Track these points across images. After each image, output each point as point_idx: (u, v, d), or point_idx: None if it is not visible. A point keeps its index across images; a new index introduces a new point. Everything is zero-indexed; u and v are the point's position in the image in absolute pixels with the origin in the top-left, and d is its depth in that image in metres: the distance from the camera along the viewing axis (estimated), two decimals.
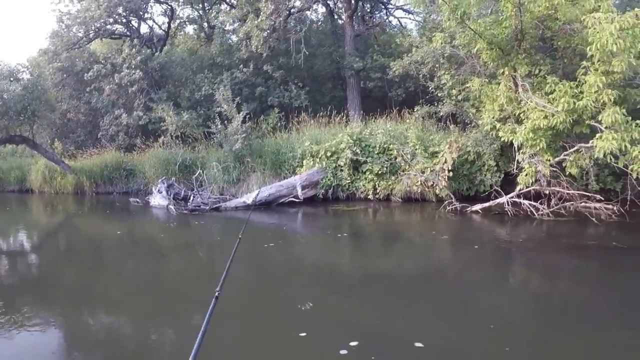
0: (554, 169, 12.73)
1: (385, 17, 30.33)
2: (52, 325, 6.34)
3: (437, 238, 11.71)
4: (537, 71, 13.25)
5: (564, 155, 12.49)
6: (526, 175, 12.74)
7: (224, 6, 26.28)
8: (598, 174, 13.40)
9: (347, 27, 25.29)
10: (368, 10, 28.97)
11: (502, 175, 15.64)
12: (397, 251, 10.75)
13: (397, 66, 19.26)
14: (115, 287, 8.15)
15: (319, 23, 29.39)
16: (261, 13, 21.03)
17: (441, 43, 14.51)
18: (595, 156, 11.19)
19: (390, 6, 29.44)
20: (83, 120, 26.82)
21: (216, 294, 3.02)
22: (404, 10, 29.32)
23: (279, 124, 20.65)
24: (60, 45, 25.49)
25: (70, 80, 26.12)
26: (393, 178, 16.44)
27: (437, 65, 17.26)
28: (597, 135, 11.00)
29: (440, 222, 13.56)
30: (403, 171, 16.18)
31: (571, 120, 11.66)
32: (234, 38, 24.93)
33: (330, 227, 13.59)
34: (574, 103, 11.37)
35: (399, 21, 31.39)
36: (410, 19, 30.64)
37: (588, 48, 10.67)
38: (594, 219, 11.91)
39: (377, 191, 16.58)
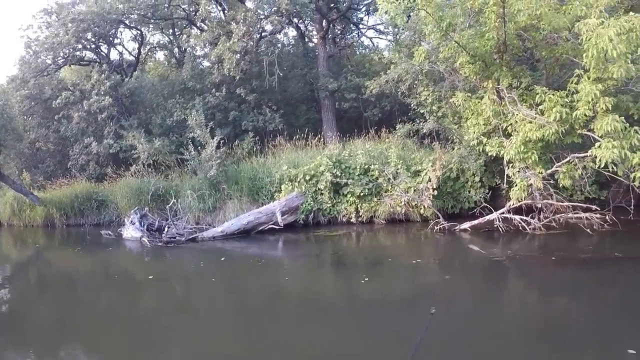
0: (545, 181, 12.50)
1: (357, 38, 30.22)
2: None
3: (429, 260, 11.35)
4: (517, 83, 13.08)
5: (556, 167, 12.24)
6: (519, 189, 12.42)
7: (194, 30, 25.79)
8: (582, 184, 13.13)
9: (320, 49, 25.09)
10: (339, 32, 28.78)
11: (488, 191, 15.33)
12: (391, 277, 10.20)
13: (374, 84, 18.94)
14: (88, 326, 7.81)
15: (290, 46, 29.11)
16: (233, 35, 20.57)
17: (424, 57, 14.20)
18: (597, 166, 10.91)
19: (362, 26, 29.34)
20: (52, 150, 25.98)
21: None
22: (376, 31, 29.26)
23: (254, 148, 20.10)
24: (28, 72, 24.72)
25: (38, 108, 25.32)
26: (375, 199, 15.93)
27: (416, 82, 16.93)
28: (597, 145, 10.74)
29: (430, 243, 13.24)
30: (386, 192, 15.72)
31: (563, 131, 11.39)
32: (206, 63, 24.44)
33: (314, 254, 13.07)
34: (567, 113, 11.11)
35: (371, 41, 31.22)
36: (382, 38, 30.52)
37: (584, 55, 10.40)
38: (588, 230, 11.81)
39: (360, 214, 16.03)
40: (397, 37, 21.91)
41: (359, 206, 16.06)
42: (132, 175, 20.48)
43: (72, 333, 7.40)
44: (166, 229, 16.12)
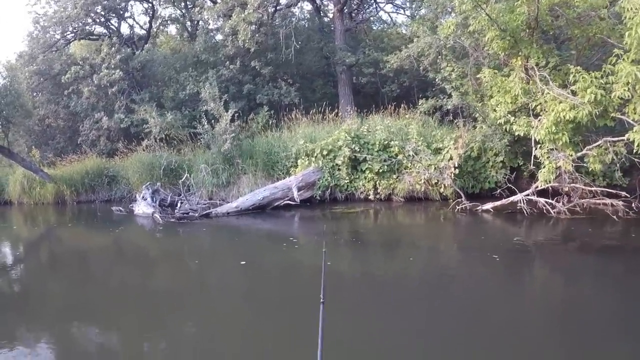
0: (574, 164, 11.95)
1: (375, 12, 29.51)
2: (39, 343, 6.01)
3: (452, 241, 10.96)
4: (543, 62, 12.53)
5: (587, 150, 11.68)
6: (547, 171, 11.87)
7: (207, 3, 25.13)
8: (614, 169, 12.63)
9: (337, 22, 24.41)
10: (355, 7, 28.05)
11: (508, 172, 14.84)
12: (412, 258, 9.61)
13: (395, 59, 18.31)
14: (100, 303, 7.49)
15: (305, 21, 28.48)
16: (248, 6, 19.92)
17: (453, 29, 13.57)
18: (634, 151, 10.23)
19: (379, 0, 28.59)
20: (62, 126, 25.60)
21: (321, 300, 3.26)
22: (394, 5, 28.53)
23: (269, 122, 19.60)
24: (37, 47, 24.33)
25: (47, 84, 24.87)
26: (394, 177, 15.45)
27: (439, 57, 16.26)
28: (635, 129, 10.11)
29: (453, 223, 12.73)
30: (405, 168, 15.19)
31: (597, 113, 10.76)
32: (219, 37, 23.85)
33: (331, 232, 12.46)
34: (602, 95, 10.48)
35: (389, 16, 30.47)
36: (400, 13, 29.76)
37: (627, 34, 9.84)
38: (614, 217, 11.28)
39: (378, 191, 15.62)
40: (416, 12, 21.33)
41: (377, 183, 15.66)
42: (143, 150, 20.08)
43: (83, 310, 7.11)
44: (179, 205, 15.67)
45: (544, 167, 12.04)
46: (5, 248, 13.46)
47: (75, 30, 25.01)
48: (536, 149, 12.39)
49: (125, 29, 27.09)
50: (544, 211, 12.22)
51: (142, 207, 15.78)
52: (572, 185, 12.40)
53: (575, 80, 11.01)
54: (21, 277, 9.82)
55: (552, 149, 11.95)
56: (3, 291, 8.70)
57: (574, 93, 11.09)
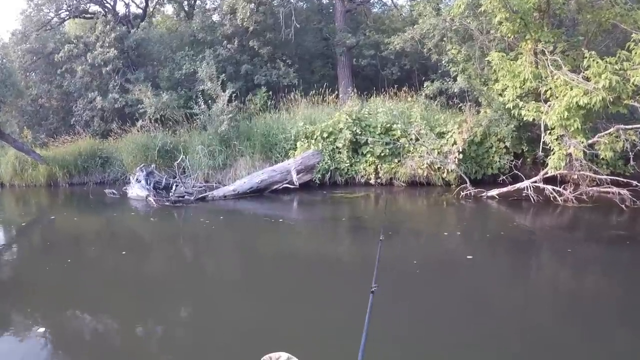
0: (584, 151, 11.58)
1: None
2: (31, 328, 5.79)
3: (456, 228, 10.55)
4: (551, 48, 12.12)
5: (598, 137, 11.30)
6: (557, 158, 11.51)
7: None
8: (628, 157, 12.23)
9: (337, 3, 23.84)
10: None
11: (519, 159, 14.44)
12: (415, 245, 9.28)
13: (398, 40, 17.83)
14: (93, 288, 7.24)
15: (304, 2, 27.89)
16: None
17: (463, 9, 13.14)
18: None
19: None
20: (55, 106, 24.96)
21: (372, 289, 3.06)
22: None
23: (267, 103, 19.17)
24: (30, 25, 23.76)
25: (40, 63, 24.29)
26: (396, 161, 15.08)
27: (444, 39, 15.79)
28: None
29: (457, 209, 12.33)
30: (408, 152, 14.80)
31: (610, 99, 10.39)
32: (215, 17, 23.31)
33: (330, 217, 12.18)
34: (617, 81, 10.10)
35: None
36: None
37: None
38: (623, 206, 10.97)
39: (379, 175, 15.25)
40: None
41: (378, 167, 15.30)
42: (138, 131, 19.59)
43: (75, 295, 6.91)
44: (174, 188, 15.21)
45: (554, 153, 11.68)
46: None
47: (69, 8, 24.47)
48: (545, 134, 12.00)
49: (120, 8, 26.56)
50: (551, 199, 11.90)
51: (136, 190, 15.32)
52: (581, 172, 12.02)
53: (589, 65, 10.62)
54: (11, 261, 9.48)
55: (562, 136, 11.59)
56: None
57: (586, 78, 10.72)
